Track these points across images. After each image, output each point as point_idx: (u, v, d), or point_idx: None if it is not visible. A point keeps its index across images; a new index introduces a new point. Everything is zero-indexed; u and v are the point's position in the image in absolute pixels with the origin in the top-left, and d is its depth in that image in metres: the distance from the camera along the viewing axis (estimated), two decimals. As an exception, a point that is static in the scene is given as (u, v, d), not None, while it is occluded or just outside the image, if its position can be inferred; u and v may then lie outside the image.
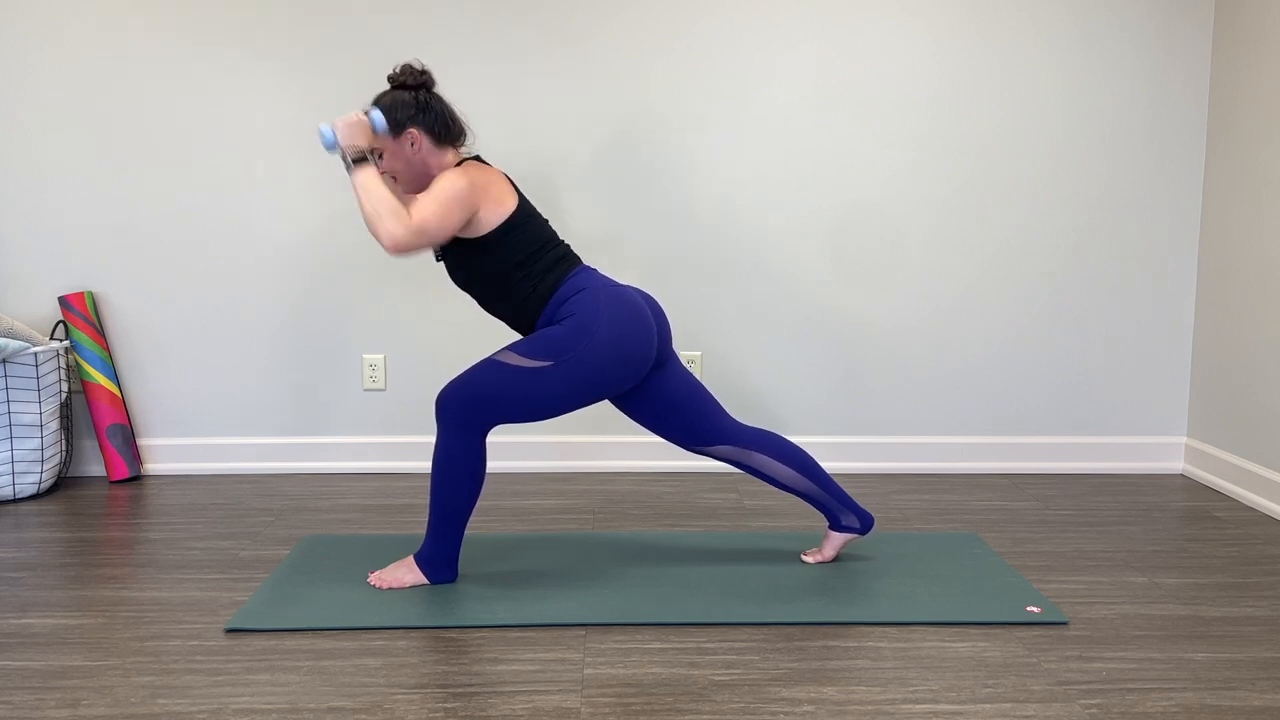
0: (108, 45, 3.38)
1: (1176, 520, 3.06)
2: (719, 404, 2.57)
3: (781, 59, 3.42)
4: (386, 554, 2.69)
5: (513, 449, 3.57)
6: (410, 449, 3.57)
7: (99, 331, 3.45)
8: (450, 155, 2.44)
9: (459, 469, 2.38)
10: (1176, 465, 3.60)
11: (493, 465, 3.58)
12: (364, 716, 1.87)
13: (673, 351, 2.58)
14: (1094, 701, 1.93)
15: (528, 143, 3.44)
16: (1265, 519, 3.06)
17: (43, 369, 3.28)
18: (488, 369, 2.35)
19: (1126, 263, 3.52)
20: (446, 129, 2.42)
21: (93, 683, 2.00)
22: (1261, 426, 3.18)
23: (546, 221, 2.49)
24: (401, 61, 2.42)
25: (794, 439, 3.56)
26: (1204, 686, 1.99)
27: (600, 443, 3.58)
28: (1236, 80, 3.31)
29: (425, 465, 3.58)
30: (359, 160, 2.32)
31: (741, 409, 3.56)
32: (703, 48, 3.41)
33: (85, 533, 2.92)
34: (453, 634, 2.22)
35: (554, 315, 2.41)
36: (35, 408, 3.26)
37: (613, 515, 3.09)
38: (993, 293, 3.53)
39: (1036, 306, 3.54)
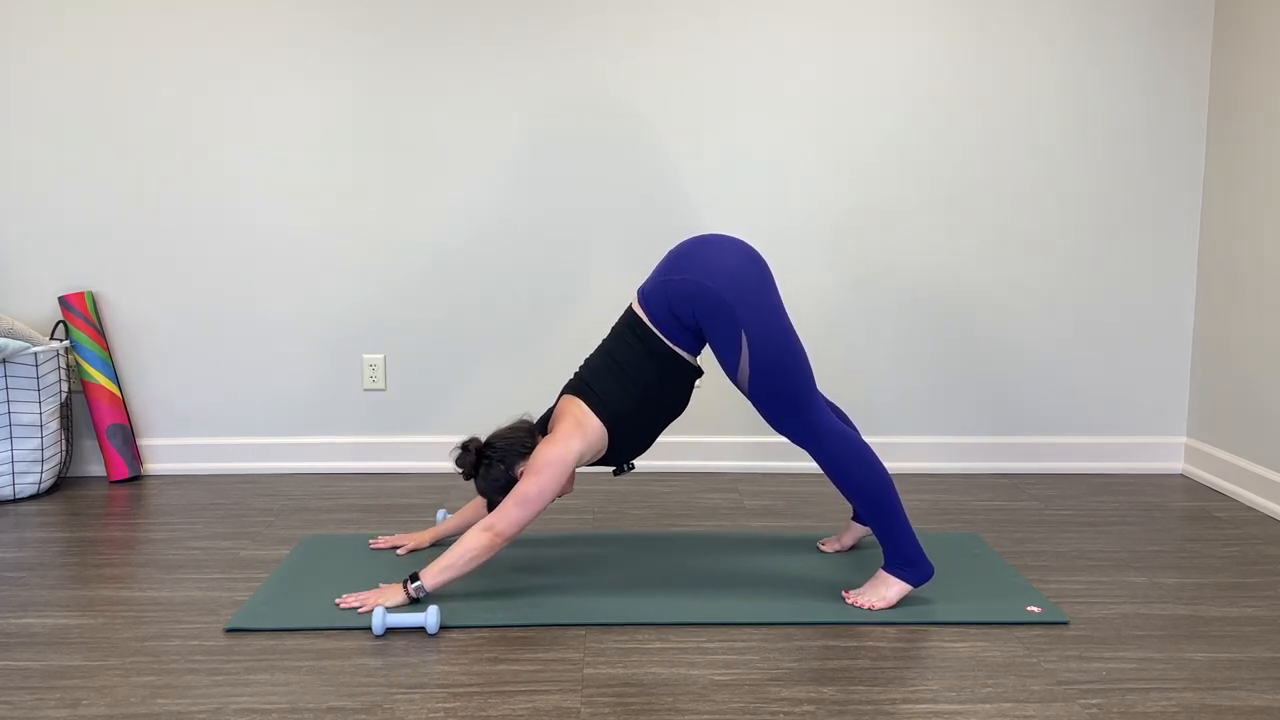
0: (107, 45, 3.38)
1: (1176, 520, 3.06)
2: None
3: (783, 61, 3.42)
4: (386, 554, 2.69)
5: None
6: (410, 449, 3.56)
7: (99, 331, 3.45)
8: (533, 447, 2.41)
9: (854, 460, 2.31)
10: (1176, 465, 3.60)
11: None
12: (364, 716, 1.87)
13: None
14: (1094, 701, 1.93)
15: (534, 142, 3.44)
16: (1265, 519, 3.06)
17: (43, 369, 3.28)
18: (754, 379, 2.27)
19: (1126, 263, 3.52)
20: (524, 447, 2.40)
21: (93, 683, 2.00)
22: (1261, 426, 3.18)
23: (605, 345, 2.45)
24: (453, 452, 2.47)
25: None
26: (1204, 686, 1.99)
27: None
28: (1236, 80, 3.31)
29: (425, 465, 3.57)
30: (416, 591, 2.32)
31: (742, 409, 3.56)
32: (705, 50, 3.42)
33: (85, 533, 2.92)
34: (453, 634, 2.22)
35: (686, 323, 2.34)
36: (35, 408, 3.26)
37: (613, 515, 3.09)
38: (992, 292, 3.53)
39: (1036, 306, 3.54)
